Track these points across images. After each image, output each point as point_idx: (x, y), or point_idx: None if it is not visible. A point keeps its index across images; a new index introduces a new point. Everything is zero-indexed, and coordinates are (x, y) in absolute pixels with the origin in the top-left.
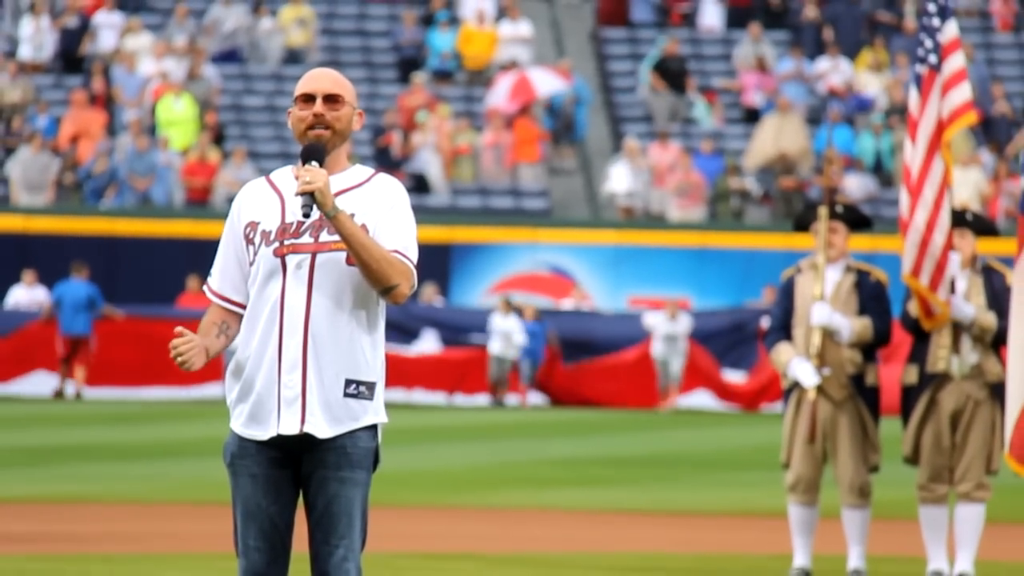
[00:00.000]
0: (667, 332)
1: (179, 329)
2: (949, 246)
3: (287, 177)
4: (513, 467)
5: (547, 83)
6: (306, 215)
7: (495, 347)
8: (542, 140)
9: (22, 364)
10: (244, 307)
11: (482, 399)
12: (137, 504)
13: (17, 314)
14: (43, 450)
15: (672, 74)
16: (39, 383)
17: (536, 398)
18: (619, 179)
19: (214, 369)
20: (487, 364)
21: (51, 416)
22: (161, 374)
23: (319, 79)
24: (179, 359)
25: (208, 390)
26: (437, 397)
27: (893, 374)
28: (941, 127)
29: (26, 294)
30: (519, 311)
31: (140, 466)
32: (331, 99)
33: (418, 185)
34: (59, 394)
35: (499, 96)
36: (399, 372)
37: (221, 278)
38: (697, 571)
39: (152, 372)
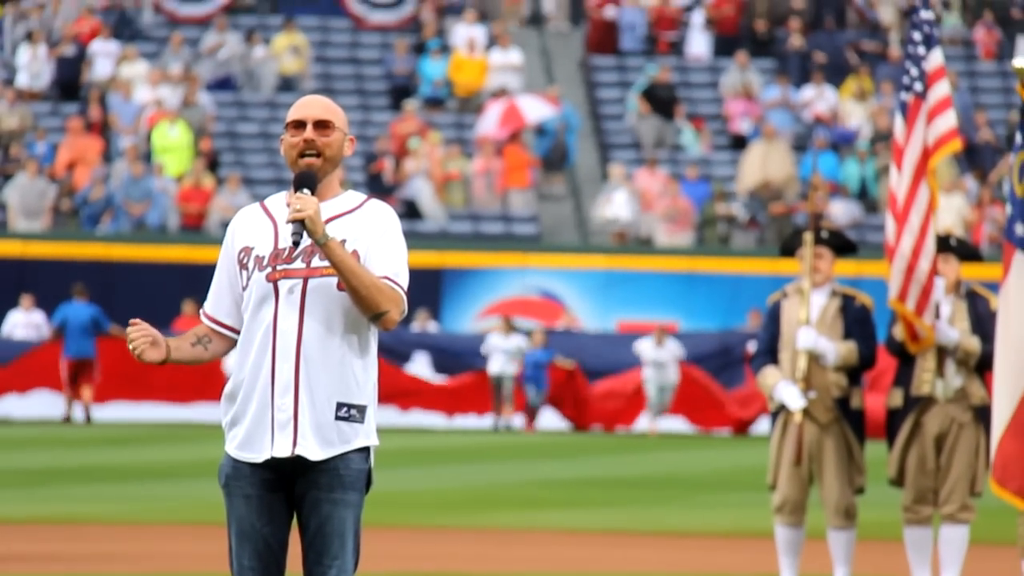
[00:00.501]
0: (655, 359)
1: (134, 320)
2: (934, 272)
3: (281, 203)
4: (504, 488)
5: (536, 110)
6: (296, 243)
7: (494, 366)
8: (532, 167)
9: (27, 384)
10: (234, 330)
11: (484, 421)
12: (134, 525)
13: (16, 343)
14: (42, 472)
15: (660, 101)
16: (44, 404)
17: (550, 421)
18: (619, 205)
19: (213, 387)
20: (488, 385)
21: (49, 438)
22: (164, 391)
23: (309, 106)
24: (130, 345)
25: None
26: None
27: (877, 401)
28: (927, 154)
29: (24, 318)
30: (527, 335)
31: (138, 487)
32: (321, 125)
33: (410, 211)
34: (68, 419)
35: (489, 123)
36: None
37: (214, 302)
38: None
39: (156, 389)
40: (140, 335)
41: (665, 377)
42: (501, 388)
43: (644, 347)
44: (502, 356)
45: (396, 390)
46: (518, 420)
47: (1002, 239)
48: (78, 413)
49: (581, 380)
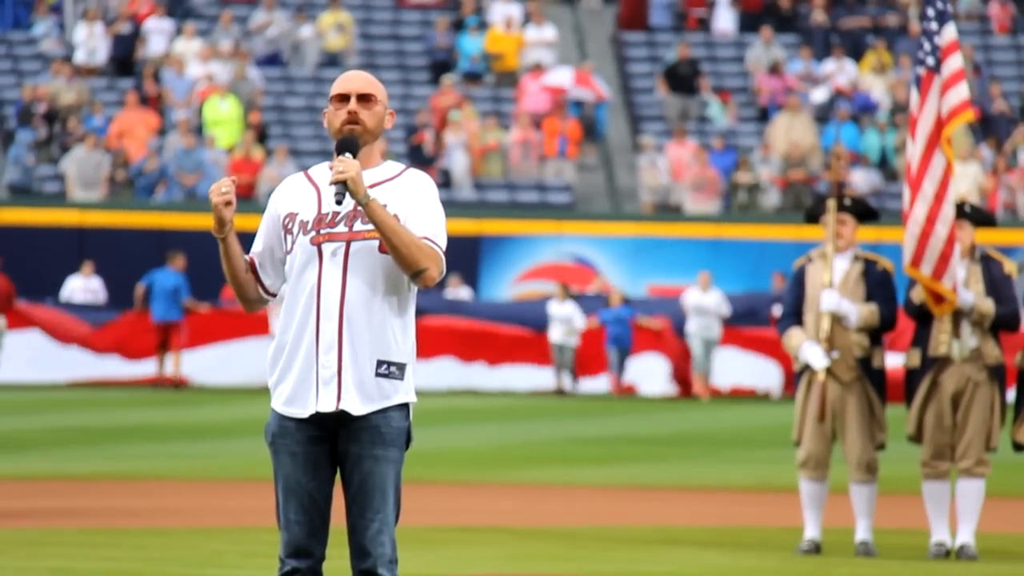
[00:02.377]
0: (696, 305)
1: (229, 180)
2: (953, 237)
3: (323, 172)
4: (541, 446)
5: (577, 92)
6: (339, 202)
7: (555, 334)
8: (573, 139)
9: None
10: (265, 289)
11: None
12: (186, 481)
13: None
14: (100, 430)
15: (682, 77)
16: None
17: (658, 387)
18: (661, 172)
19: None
20: (549, 352)
21: (113, 399)
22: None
23: (353, 80)
24: (214, 197)
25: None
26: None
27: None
28: (940, 125)
29: (83, 283)
30: (606, 298)
31: (191, 446)
32: (364, 98)
33: (448, 180)
34: (160, 380)
35: (533, 94)
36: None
37: (256, 246)
38: (714, 543)
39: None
40: (229, 191)
41: (710, 329)
42: (561, 355)
43: (689, 296)
44: (559, 324)
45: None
46: (599, 383)
47: None
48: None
49: (672, 339)
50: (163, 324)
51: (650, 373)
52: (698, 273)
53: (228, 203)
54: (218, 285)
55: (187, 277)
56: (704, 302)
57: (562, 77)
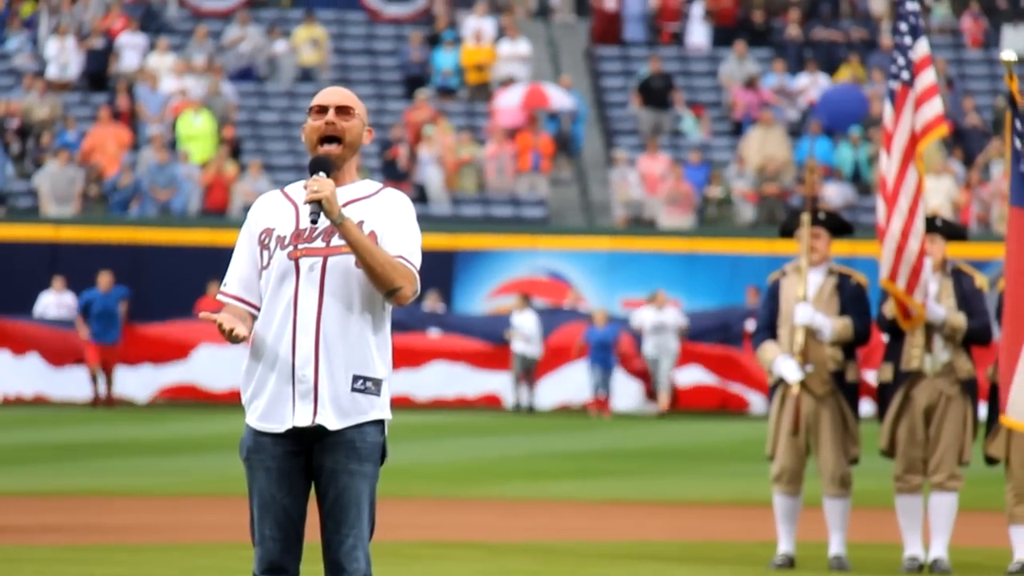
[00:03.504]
0: (654, 323)
1: (204, 314)
2: (924, 252)
3: (299, 189)
4: (515, 461)
5: (558, 98)
6: (313, 221)
7: (516, 344)
8: (545, 153)
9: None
10: (255, 307)
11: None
12: (161, 497)
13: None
14: (73, 447)
15: (655, 92)
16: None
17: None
18: (633, 187)
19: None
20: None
21: (80, 416)
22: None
23: (332, 93)
24: (227, 332)
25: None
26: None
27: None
28: (914, 139)
29: (55, 299)
30: (590, 317)
31: (163, 461)
32: (343, 110)
33: (423, 195)
34: (96, 401)
35: (510, 106)
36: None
37: (235, 281)
38: (688, 558)
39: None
40: (228, 319)
41: (665, 348)
42: (521, 365)
43: (644, 315)
44: (519, 334)
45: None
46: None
47: (1009, 205)
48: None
49: (635, 358)
50: (99, 346)
51: (625, 390)
52: (654, 292)
53: (240, 322)
54: (192, 297)
55: (124, 292)
56: (661, 320)
57: (549, 90)
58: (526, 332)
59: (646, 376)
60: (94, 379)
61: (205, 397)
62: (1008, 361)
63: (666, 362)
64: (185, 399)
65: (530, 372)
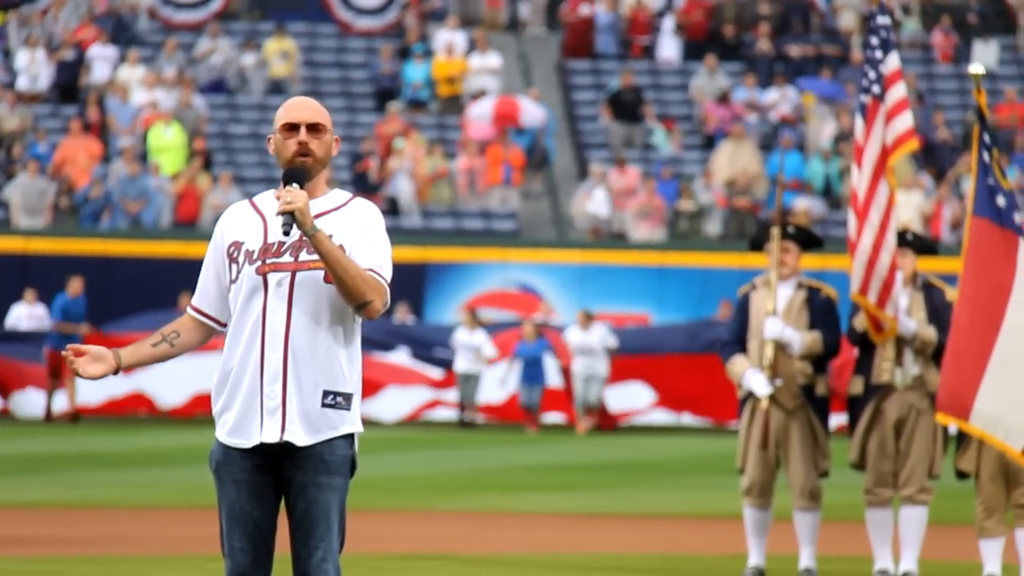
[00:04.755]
0: (579, 344)
1: (71, 346)
2: (895, 266)
3: (269, 200)
4: (485, 473)
5: (530, 112)
6: (286, 233)
7: (460, 364)
8: (516, 165)
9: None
10: (216, 321)
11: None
12: (131, 509)
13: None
14: (43, 458)
15: (626, 105)
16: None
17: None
18: (598, 202)
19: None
20: (455, 382)
21: (43, 428)
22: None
23: (301, 108)
24: (71, 367)
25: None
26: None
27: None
28: (885, 153)
29: (27, 311)
30: (520, 327)
31: (133, 473)
32: (314, 128)
33: (393, 208)
34: (49, 416)
35: (482, 118)
36: None
37: (200, 294)
38: (658, 571)
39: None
40: (75, 356)
41: (593, 369)
42: (466, 385)
43: (571, 336)
44: (465, 353)
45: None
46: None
47: (991, 227)
48: (59, 406)
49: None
50: (55, 354)
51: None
52: (577, 312)
53: (90, 361)
54: (164, 308)
55: (83, 301)
56: (587, 341)
57: (522, 103)
58: (481, 350)
59: (569, 397)
60: (49, 393)
61: (154, 411)
62: (968, 366)
63: (595, 385)
64: (136, 411)
65: (474, 394)
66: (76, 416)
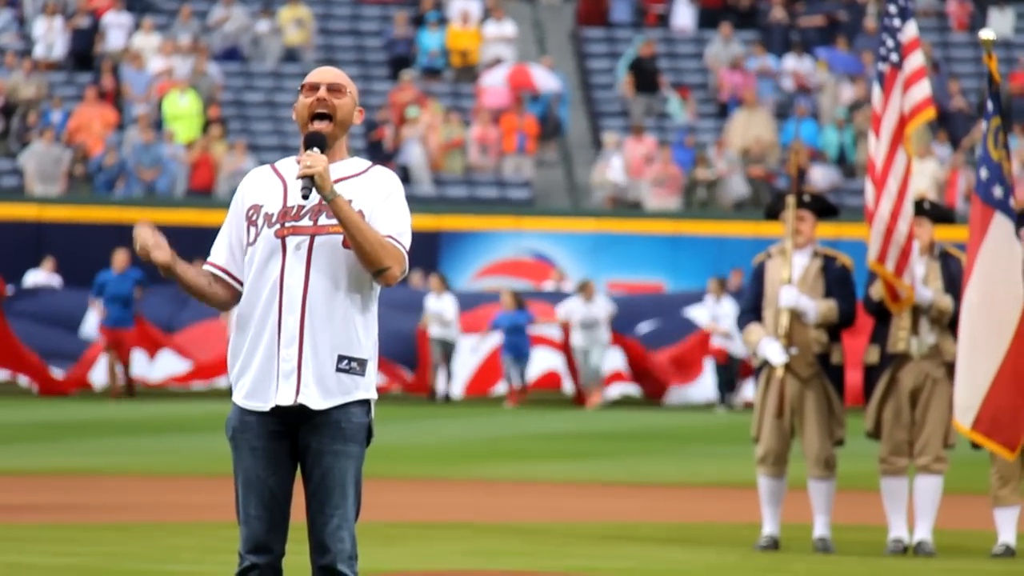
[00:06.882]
0: (584, 317)
1: (143, 220)
2: (912, 234)
3: (290, 165)
4: (500, 442)
5: (544, 80)
6: (305, 196)
7: (433, 330)
8: (531, 134)
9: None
10: (235, 279)
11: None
12: (147, 476)
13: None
14: (55, 426)
15: (645, 73)
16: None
17: (618, 390)
18: (615, 170)
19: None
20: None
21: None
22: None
23: (324, 72)
24: (136, 244)
25: None
26: None
27: (855, 377)
28: (903, 122)
29: (44, 279)
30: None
31: (146, 441)
32: (334, 88)
33: (407, 176)
34: (115, 390)
35: (496, 86)
36: None
37: (218, 252)
38: (673, 539)
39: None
40: (148, 233)
41: (595, 340)
42: (440, 351)
43: (571, 306)
44: (435, 319)
45: None
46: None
47: (976, 200)
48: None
49: (635, 347)
50: (112, 331)
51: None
52: (581, 283)
53: (156, 245)
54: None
55: (138, 275)
56: (591, 312)
57: (535, 72)
58: (445, 316)
59: (572, 371)
60: (111, 367)
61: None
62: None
63: (596, 353)
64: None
65: (449, 357)
66: (132, 389)
